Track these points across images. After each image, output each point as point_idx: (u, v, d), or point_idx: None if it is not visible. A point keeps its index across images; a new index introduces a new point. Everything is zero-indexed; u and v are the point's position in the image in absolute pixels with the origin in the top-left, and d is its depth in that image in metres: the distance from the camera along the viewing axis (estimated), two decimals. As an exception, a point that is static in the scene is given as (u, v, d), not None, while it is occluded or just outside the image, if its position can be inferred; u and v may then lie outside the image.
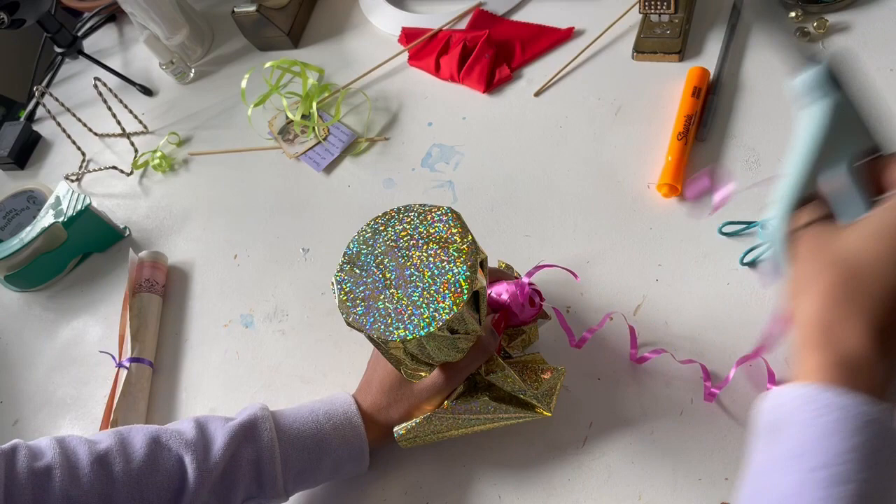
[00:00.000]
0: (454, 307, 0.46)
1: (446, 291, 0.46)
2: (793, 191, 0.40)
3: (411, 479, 0.58)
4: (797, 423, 0.33)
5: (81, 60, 1.01)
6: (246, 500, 0.52)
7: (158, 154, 0.88)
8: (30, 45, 1.14)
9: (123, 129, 0.90)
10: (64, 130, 0.90)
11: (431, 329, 0.45)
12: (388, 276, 0.48)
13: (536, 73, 0.80)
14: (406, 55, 0.87)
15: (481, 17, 0.86)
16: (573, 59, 0.78)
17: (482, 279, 0.49)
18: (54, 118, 0.91)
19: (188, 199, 0.85)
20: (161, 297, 0.76)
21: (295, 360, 0.68)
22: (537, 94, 0.78)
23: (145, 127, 0.94)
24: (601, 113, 0.73)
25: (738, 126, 0.67)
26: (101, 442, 0.50)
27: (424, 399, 0.54)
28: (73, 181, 0.92)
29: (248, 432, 0.52)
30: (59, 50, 0.99)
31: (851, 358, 0.34)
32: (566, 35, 0.81)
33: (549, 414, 0.53)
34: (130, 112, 0.92)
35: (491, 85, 0.80)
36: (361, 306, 0.48)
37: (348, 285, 0.49)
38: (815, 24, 0.69)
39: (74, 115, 0.90)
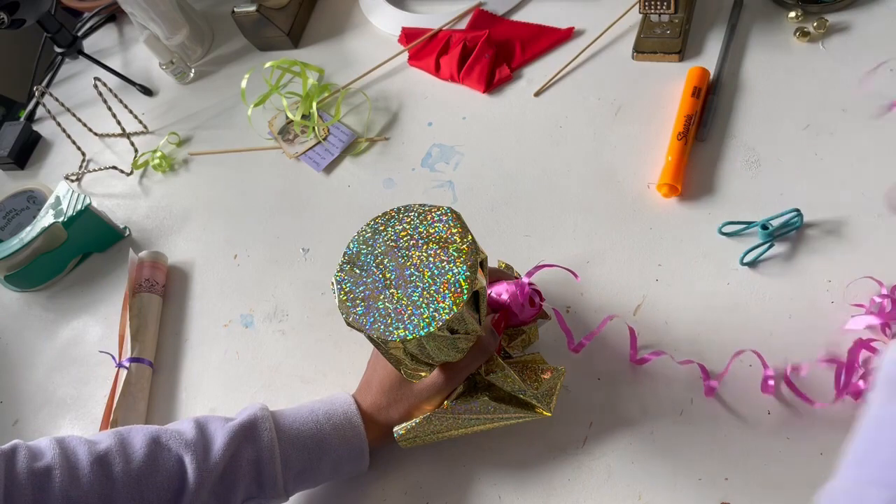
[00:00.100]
0: (454, 307, 0.46)
1: (446, 291, 0.46)
2: None
3: (411, 479, 0.58)
4: None
5: (81, 60, 1.01)
6: (246, 501, 0.52)
7: (158, 154, 0.88)
8: (30, 45, 1.14)
9: (123, 129, 0.90)
10: (64, 130, 0.90)
11: (431, 329, 0.45)
12: (388, 276, 0.48)
13: (536, 73, 0.80)
14: (406, 55, 0.87)
15: (481, 17, 0.86)
16: (573, 59, 0.78)
17: (482, 279, 0.48)
18: (54, 118, 0.91)
19: (188, 199, 0.85)
20: (161, 297, 0.76)
21: (295, 360, 0.68)
22: (537, 94, 0.78)
23: (145, 127, 0.94)
24: (601, 113, 0.73)
25: (738, 126, 0.67)
26: (101, 442, 0.50)
27: (424, 399, 0.54)
28: (73, 181, 0.92)
29: (248, 432, 0.52)
30: (59, 50, 0.99)
31: None
32: (566, 35, 0.81)
33: (549, 414, 0.53)
34: (130, 112, 0.92)
35: (491, 85, 0.80)
36: (361, 306, 0.48)
37: (348, 285, 0.49)
38: (815, 24, 0.69)
39: (74, 115, 0.90)
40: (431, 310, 0.46)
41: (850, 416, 0.51)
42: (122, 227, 0.84)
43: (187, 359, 0.72)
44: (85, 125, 0.91)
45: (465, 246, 0.48)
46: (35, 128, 1.02)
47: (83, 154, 0.93)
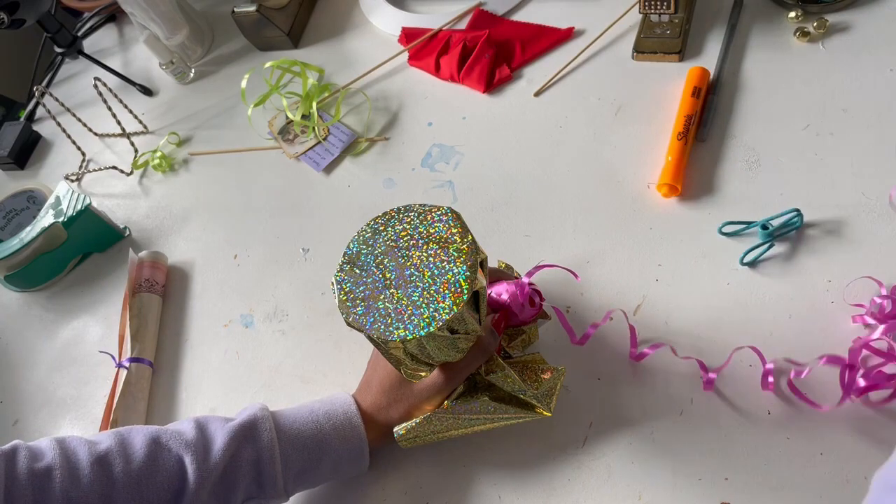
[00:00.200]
0: (454, 307, 0.46)
1: (446, 291, 0.46)
2: None
3: (411, 479, 0.58)
4: None
5: (81, 60, 1.01)
6: (246, 501, 0.52)
7: (158, 154, 0.88)
8: (30, 45, 1.14)
9: (123, 129, 0.90)
10: (64, 130, 0.90)
11: (431, 329, 0.45)
12: (388, 276, 0.48)
13: (536, 73, 0.80)
14: (406, 55, 0.87)
15: (481, 17, 0.86)
16: (573, 59, 0.78)
17: (482, 279, 0.48)
18: (54, 118, 0.91)
19: (188, 199, 0.85)
20: (161, 297, 0.76)
21: (295, 360, 0.68)
22: (537, 94, 0.78)
23: (145, 127, 0.94)
24: (601, 113, 0.73)
25: (738, 126, 0.67)
26: (101, 443, 0.50)
27: (424, 399, 0.54)
28: (73, 181, 0.92)
29: (247, 432, 0.52)
30: (59, 50, 0.99)
31: None
32: (566, 35, 0.81)
33: (549, 414, 0.53)
34: (130, 112, 0.92)
35: (491, 85, 0.80)
36: (361, 306, 0.48)
37: (348, 285, 0.49)
38: (815, 24, 0.69)
39: (74, 115, 0.90)
40: (431, 310, 0.46)
41: (850, 416, 0.51)
42: (122, 227, 0.84)
43: (187, 359, 0.72)
44: (85, 125, 0.91)
45: (465, 246, 0.48)
46: (35, 128, 1.02)
47: (83, 154, 0.93)
